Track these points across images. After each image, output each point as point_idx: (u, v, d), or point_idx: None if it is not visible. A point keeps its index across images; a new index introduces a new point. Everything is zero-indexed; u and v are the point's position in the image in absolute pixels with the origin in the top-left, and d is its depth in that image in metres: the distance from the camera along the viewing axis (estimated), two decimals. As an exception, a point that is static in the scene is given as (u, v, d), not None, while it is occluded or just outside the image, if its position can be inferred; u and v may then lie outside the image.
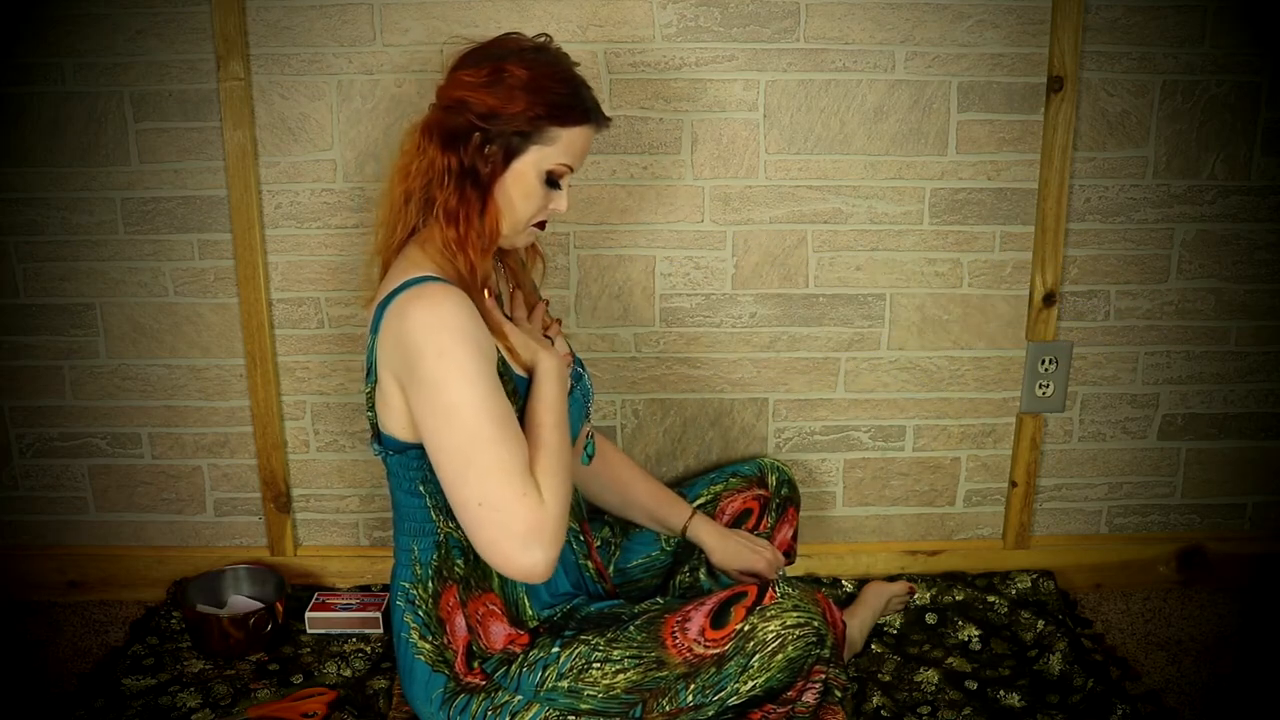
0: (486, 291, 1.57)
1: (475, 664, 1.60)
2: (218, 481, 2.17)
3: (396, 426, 1.56)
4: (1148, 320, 2.13)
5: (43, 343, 2.08)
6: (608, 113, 1.94)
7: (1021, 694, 1.86)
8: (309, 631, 2.05)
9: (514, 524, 1.42)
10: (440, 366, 1.43)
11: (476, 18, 1.92)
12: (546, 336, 1.66)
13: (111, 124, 1.97)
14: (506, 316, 1.62)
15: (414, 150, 1.54)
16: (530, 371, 1.58)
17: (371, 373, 1.57)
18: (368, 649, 2.00)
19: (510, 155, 1.51)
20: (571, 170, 1.55)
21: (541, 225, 1.60)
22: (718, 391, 2.14)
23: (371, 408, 1.60)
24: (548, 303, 1.72)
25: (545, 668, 1.56)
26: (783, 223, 2.04)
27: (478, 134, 1.50)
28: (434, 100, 1.56)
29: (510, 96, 1.48)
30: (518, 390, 1.57)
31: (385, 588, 2.14)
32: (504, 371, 1.54)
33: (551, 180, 1.54)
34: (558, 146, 1.52)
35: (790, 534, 1.98)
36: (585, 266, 2.06)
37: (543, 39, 1.57)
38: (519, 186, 1.53)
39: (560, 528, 1.45)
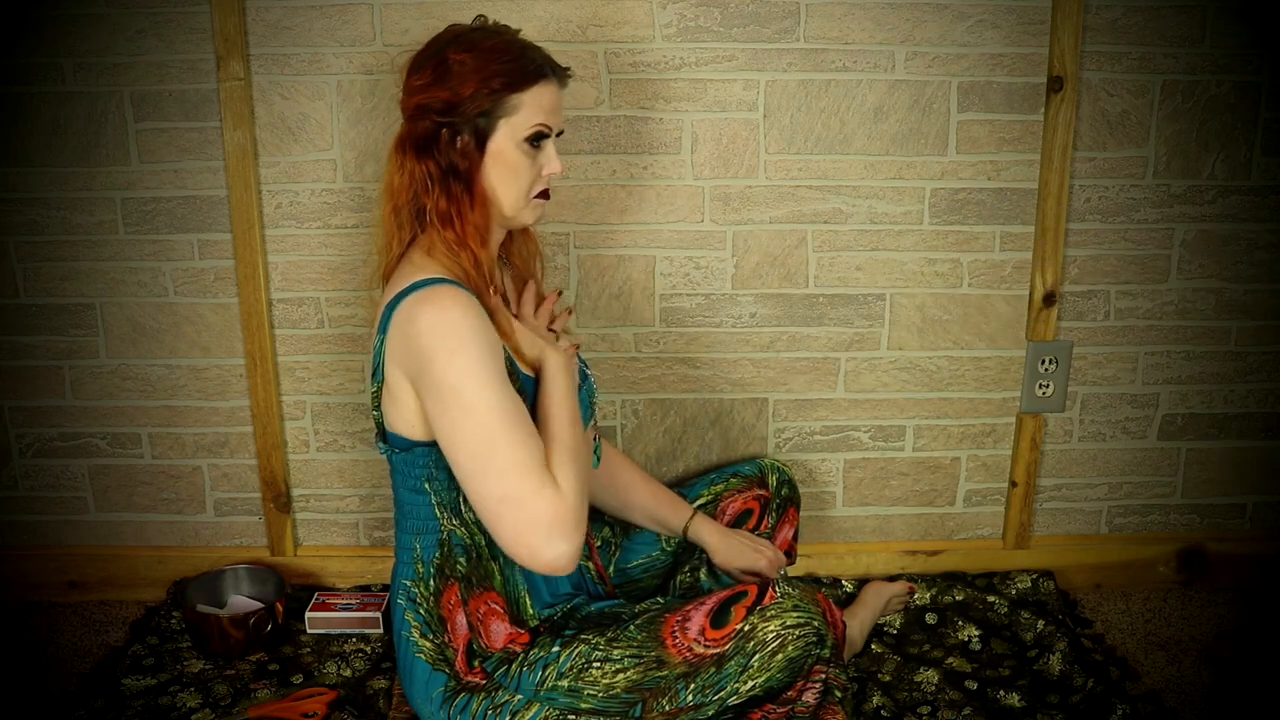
0: (493, 289, 1.57)
1: (475, 663, 1.60)
2: (218, 481, 2.17)
3: (404, 425, 1.56)
4: (1148, 320, 2.13)
5: (43, 343, 2.08)
6: (608, 113, 1.97)
7: (1021, 694, 1.86)
8: (309, 631, 2.05)
9: (536, 518, 1.44)
10: (452, 369, 1.45)
11: (476, 18, 1.92)
12: (551, 329, 1.67)
13: (111, 124, 1.97)
14: (514, 315, 1.63)
15: (395, 168, 1.56)
16: (538, 370, 1.59)
17: (379, 372, 1.57)
18: (368, 649, 2.00)
19: (482, 139, 1.52)
20: (549, 130, 1.55)
21: (544, 195, 1.60)
22: (718, 391, 2.14)
23: (377, 406, 1.60)
24: (560, 293, 1.72)
25: (545, 667, 1.56)
26: (783, 223, 2.04)
27: (444, 130, 1.51)
28: (400, 116, 1.57)
29: (460, 82, 1.49)
30: (525, 390, 1.57)
31: (385, 588, 2.14)
32: (511, 371, 1.55)
33: (533, 144, 1.54)
34: (524, 112, 1.52)
35: (791, 534, 1.98)
36: (585, 266, 2.06)
37: (479, 20, 1.59)
38: (502, 164, 1.53)
39: (580, 517, 1.47)
